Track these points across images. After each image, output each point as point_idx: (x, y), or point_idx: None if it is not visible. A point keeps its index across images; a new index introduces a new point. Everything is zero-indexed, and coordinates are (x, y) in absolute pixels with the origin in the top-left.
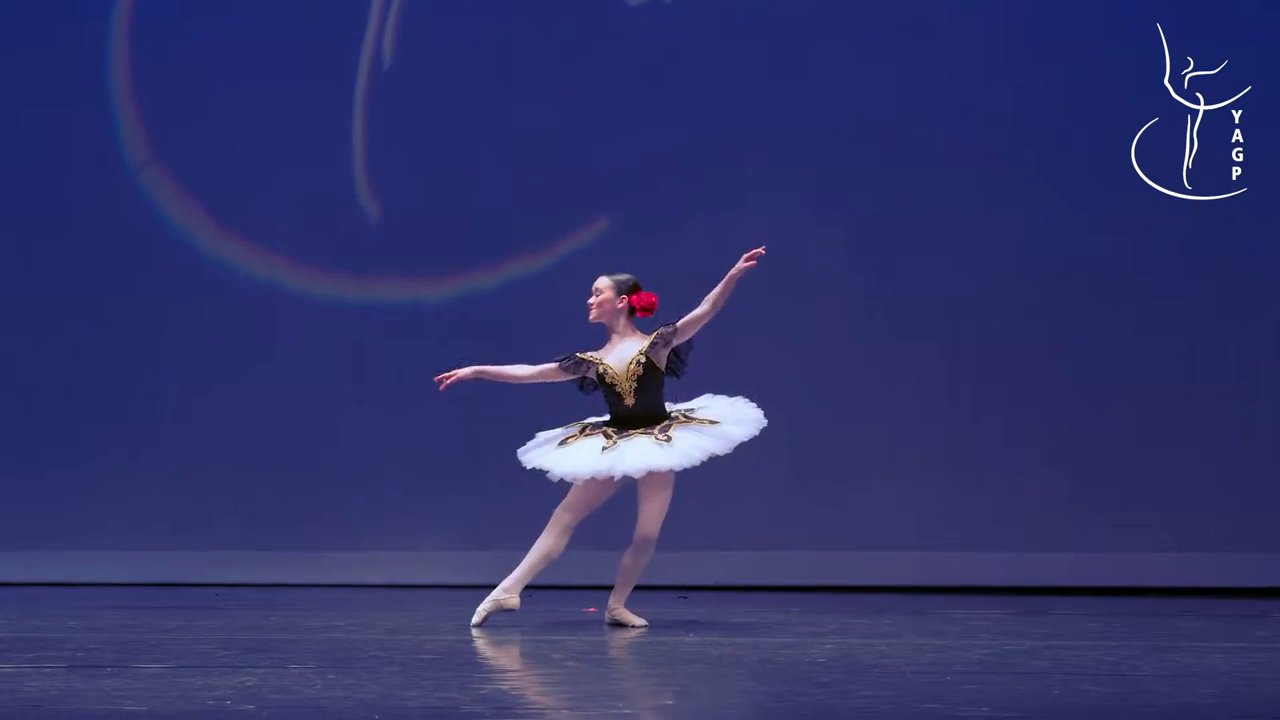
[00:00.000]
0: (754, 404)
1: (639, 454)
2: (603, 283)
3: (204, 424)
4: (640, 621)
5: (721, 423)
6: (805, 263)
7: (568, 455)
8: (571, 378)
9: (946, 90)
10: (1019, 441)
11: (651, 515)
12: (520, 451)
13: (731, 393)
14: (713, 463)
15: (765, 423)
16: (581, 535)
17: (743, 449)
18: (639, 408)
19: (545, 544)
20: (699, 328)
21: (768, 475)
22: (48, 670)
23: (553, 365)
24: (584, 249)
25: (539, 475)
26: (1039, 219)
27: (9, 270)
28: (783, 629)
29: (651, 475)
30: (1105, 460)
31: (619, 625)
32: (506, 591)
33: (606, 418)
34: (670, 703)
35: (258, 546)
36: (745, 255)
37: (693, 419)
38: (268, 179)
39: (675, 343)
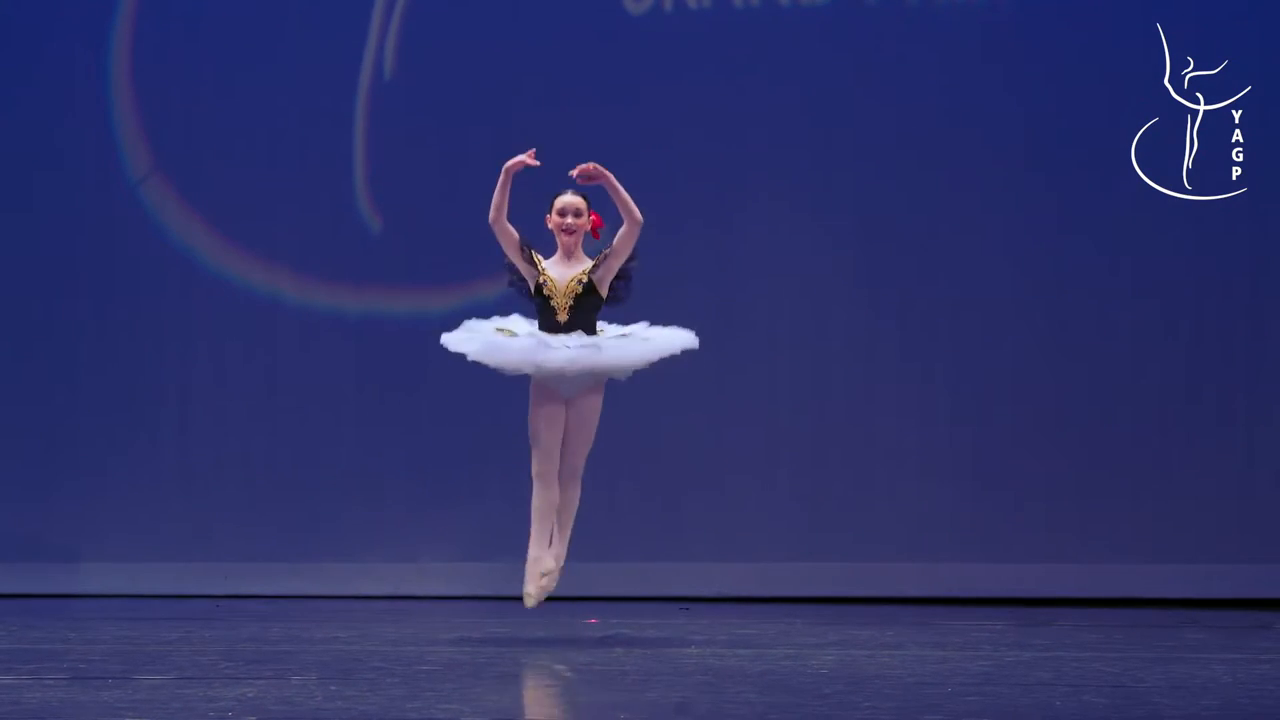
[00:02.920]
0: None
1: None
2: (582, 203)
3: (205, 435)
4: (551, 564)
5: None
6: (806, 270)
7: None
8: (517, 260)
9: (946, 92)
10: (1021, 452)
11: (579, 451)
12: (446, 338)
13: (733, 400)
14: (713, 475)
15: (695, 344)
16: (583, 546)
17: (744, 460)
18: (570, 326)
19: (536, 499)
20: (633, 242)
21: (769, 486)
22: (49, 682)
23: (517, 236)
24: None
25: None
26: (1039, 221)
27: (9, 280)
28: (784, 640)
29: (584, 402)
30: (1108, 470)
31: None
32: (536, 562)
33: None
34: (671, 715)
35: (259, 558)
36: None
37: (624, 336)
38: (269, 191)
39: (612, 262)
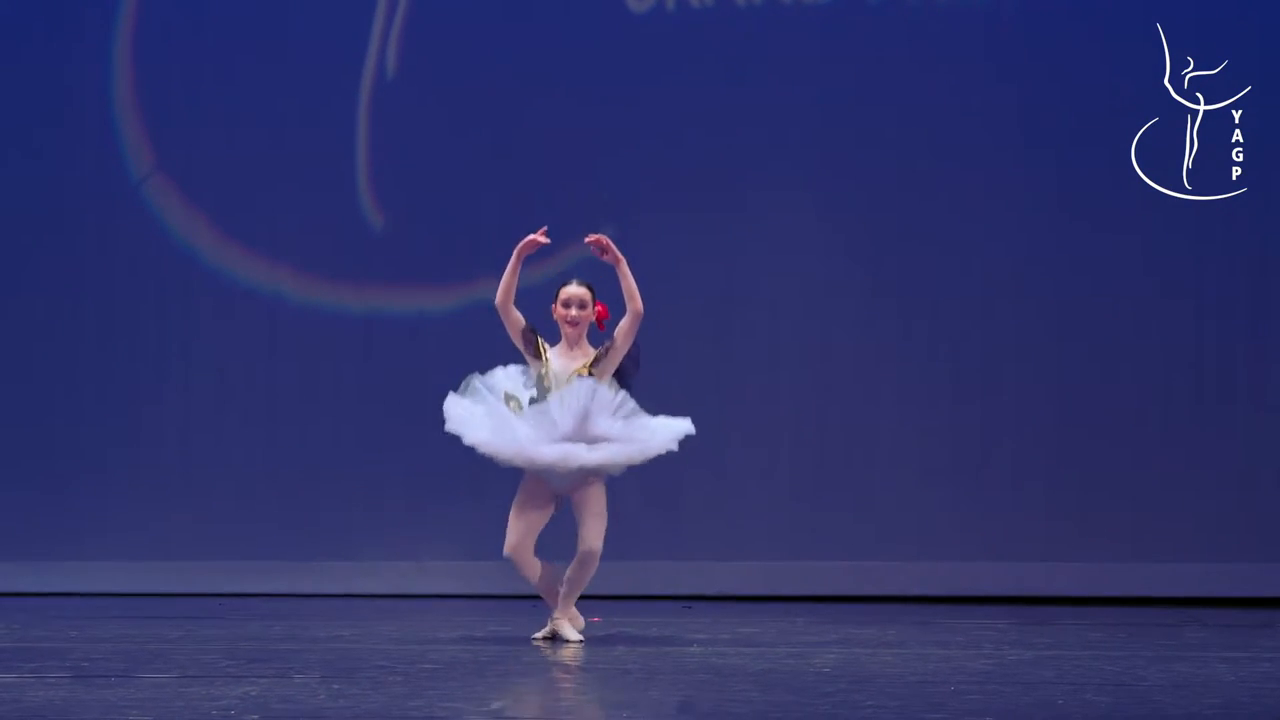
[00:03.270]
0: (688, 421)
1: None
2: (586, 294)
3: (207, 433)
4: (576, 636)
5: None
6: (808, 268)
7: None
8: (521, 346)
9: (946, 91)
10: (1023, 450)
11: (591, 531)
12: (448, 408)
13: (735, 398)
14: (715, 474)
15: (690, 430)
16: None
17: (747, 459)
18: None
19: (536, 572)
20: (634, 330)
21: (771, 486)
22: (51, 680)
23: (523, 323)
24: (589, 259)
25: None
26: (1039, 220)
27: (12, 281)
28: (787, 639)
29: (583, 491)
30: (1109, 469)
31: (552, 638)
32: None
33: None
34: (674, 713)
35: (261, 556)
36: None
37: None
38: (271, 189)
39: (613, 357)
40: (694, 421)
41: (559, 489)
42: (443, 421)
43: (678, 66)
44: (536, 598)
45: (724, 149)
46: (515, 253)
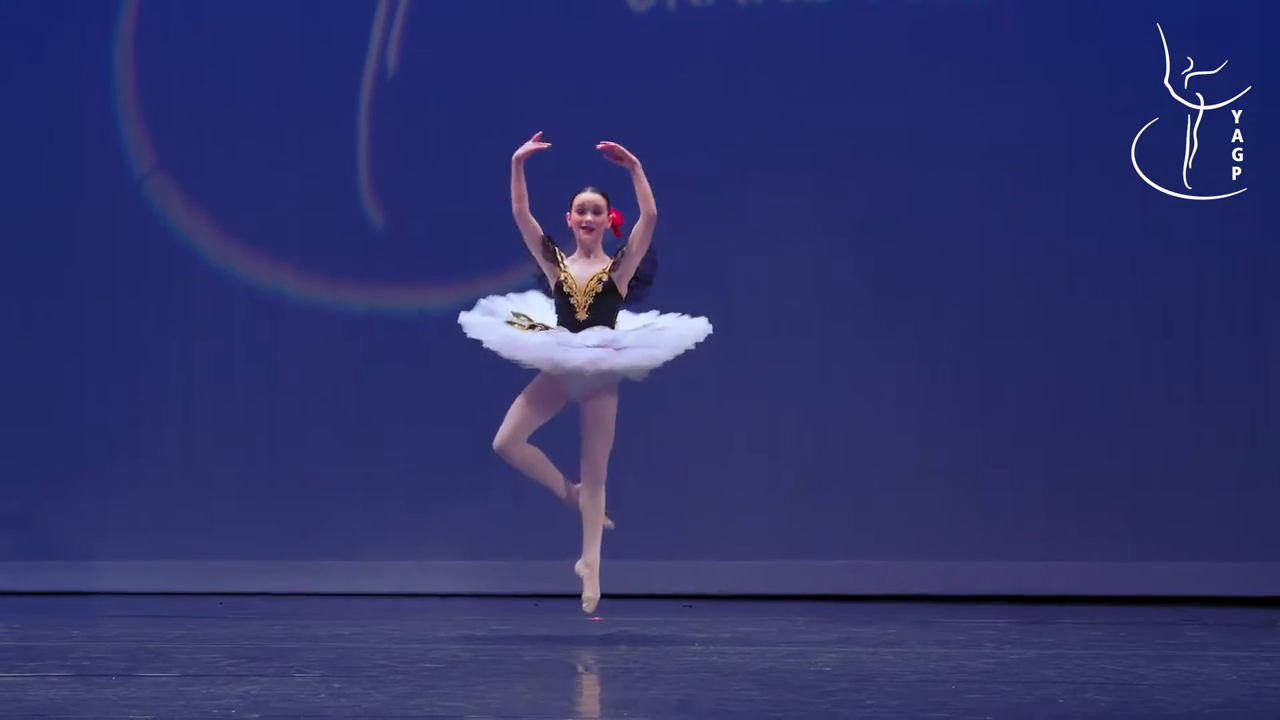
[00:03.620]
0: (704, 320)
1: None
2: (601, 200)
3: (208, 432)
4: (595, 594)
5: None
6: (809, 271)
7: (511, 335)
8: (538, 255)
9: (947, 91)
10: (1024, 450)
11: (597, 446)
12: (465, 318)
13: (736, 397)
14: (716, 472)
15: (708, 330)
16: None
17: (747, 458)
18: (590, 324)
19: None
20: (649, 233)
21: (772, 484)
22: (52, 679)
23: (540, 232)
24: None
25: (541, 486)
26: (1040, 220)
27: (10, 278)
28: (787, 638)
29: (598, 401)
30: (1110, 467)
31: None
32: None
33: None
34: (675, 712)
35: (262, 555)
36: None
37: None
38: (272, 187)
39: (629, 261)
40: (695, 418)
41: (575, 394)
42: (444, 416)
43: (679, 66)
44: (538, 597)
45: (724, 148)
46: (514, 160)
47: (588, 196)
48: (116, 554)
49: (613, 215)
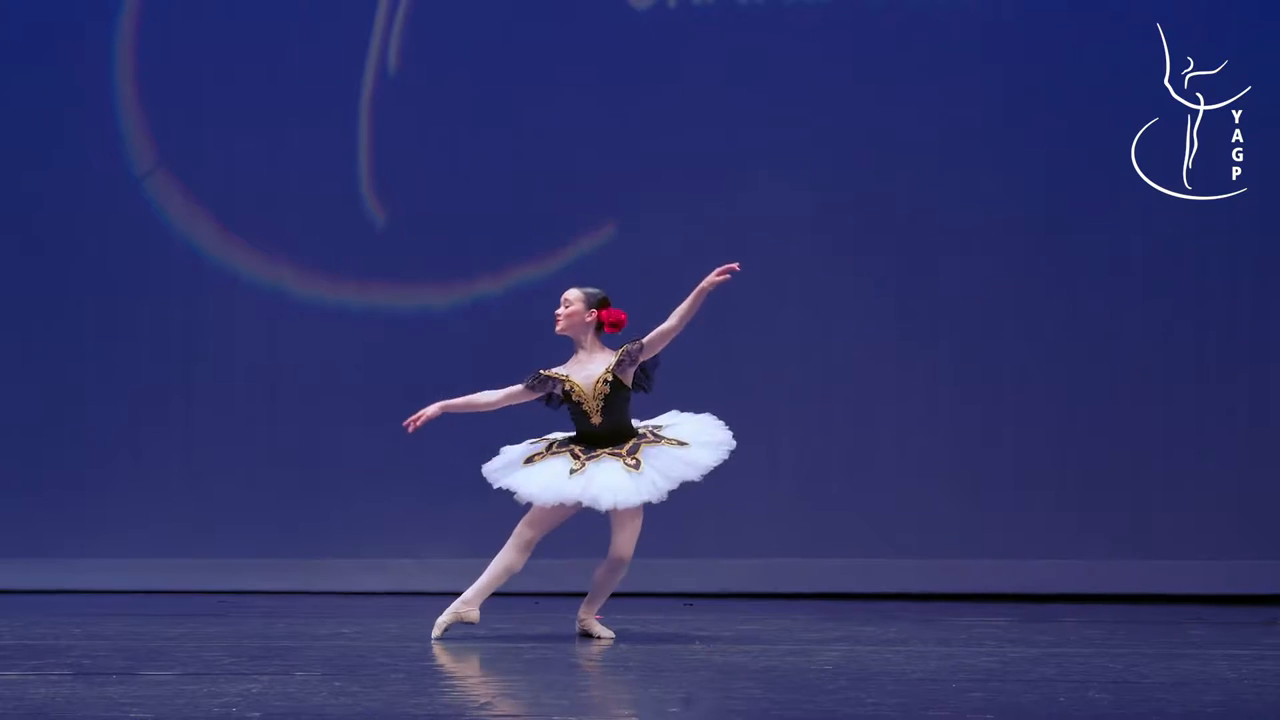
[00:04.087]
0: (721, 423)
1: (607, 485)
2: (573, 294)
3: (209, 431)
4: (608, 633)
5: (690, 444)
6: (811, 269)
7: (534, 476)
8: (538, 396)
9: (947, 91)
10: (1025, 448)
11: (625, 540)
12: (486, 469)
13: (737, 395)
14: (717, 471)
15: (733, 445)
16: (585, 543)
17: (749, 456)
18: (605, 426)
19: (507, 558)
20: (666, 343)
21: (773, 483)
22: (53, 678)
23: (519, 387)
24: (591, 255)
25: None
26: (1040, 219)
27: (14, 276)
28: (788, 636)
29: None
30: (1111, 467)
31: (587, 635)
32: (467, 604)
33: (573, 434)
34: (676, 711)
35: (263, 553)
36: (718, 269)
37: (661, 438)
38: (273, 185)
39: (642, 359)
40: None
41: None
42: (446, 420)
43: (680, 64)
44: (540, 595)
45: (724, 147)
46: (429, 418)
47: (566, 291)
48: (117, 552)
49: (600, 314)
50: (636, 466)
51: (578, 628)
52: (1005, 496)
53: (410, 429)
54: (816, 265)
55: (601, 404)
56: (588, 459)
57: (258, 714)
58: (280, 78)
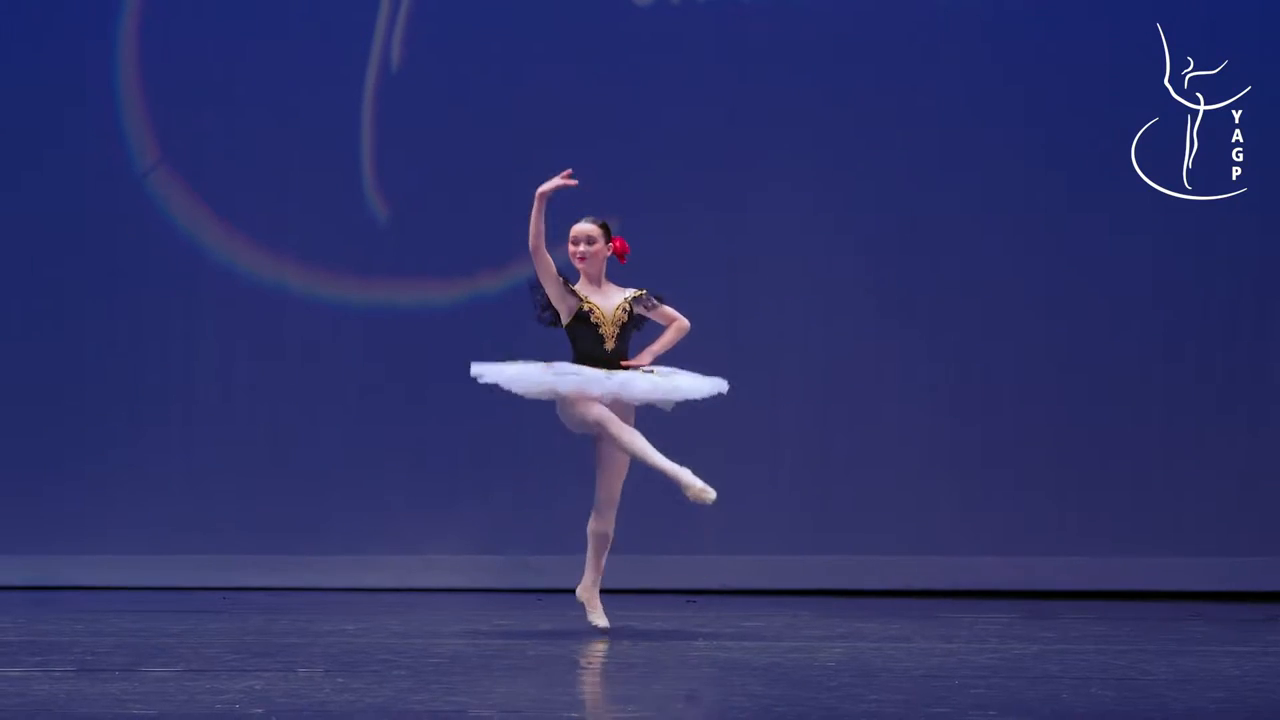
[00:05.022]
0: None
1: (648, 380)
2: (590, 229)
3: (211, 427)
4: (604, 623)
5: (680, 372)
6: (814, 265)
7: (571, 374)
8: (553, 289)
9: (947, 92)
10: (1027, 445)
11: (616, 481)
12: (478, 367)
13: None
14: (720, 467)
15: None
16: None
17: (751, 453)
18: (616, 354)
19: (627, 435)
20: (676, 337)
21: (775, 479)
22: (56, 673)
23: (554, 268)
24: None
25: (543, 480)
26: (1041, 219)
27: (16, 273)
28: (791, 633)
29: (625, 420)
30: (1114, 463)
31: (584, 609)
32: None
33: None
34: (678, 707)
35: (265, 550)
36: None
37: (656, 370)
38: (276, 181)
39: (648, 311)
40: (699, 413)
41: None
42: (447, 411)
43: (682, 59)
44: (542, 592)
45: (727, 143)
46: (538, 196)
47: (579, 227)
48: (119, 548)
49: (614, 243)
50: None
51: (581, 597)
52: (1008, 493)
53: (563, 179)
54: (819, 261)
55: (617, 330)
56: (608, 376)
57: (260, 710)
58: (283, 74)
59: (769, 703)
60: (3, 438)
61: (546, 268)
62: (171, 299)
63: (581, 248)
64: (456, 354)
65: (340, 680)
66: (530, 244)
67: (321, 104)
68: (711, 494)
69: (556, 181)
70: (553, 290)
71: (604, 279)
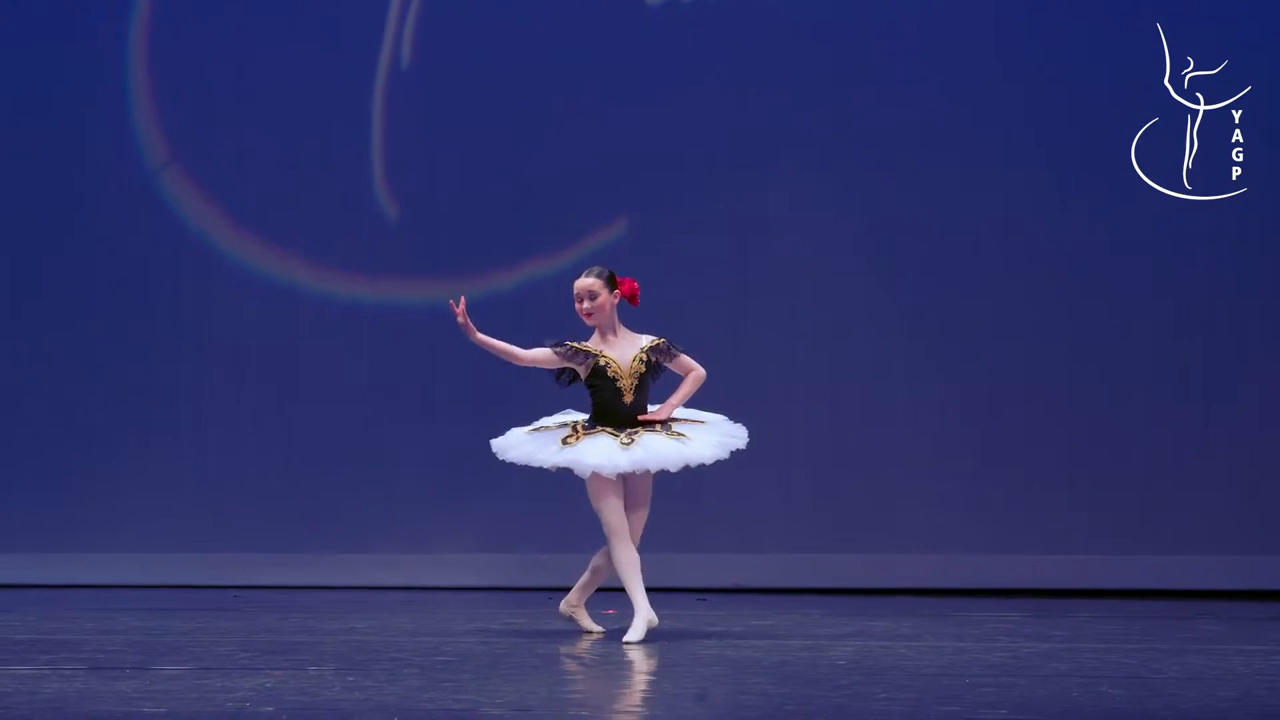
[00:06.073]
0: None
1: (666, 448)
2: (591, 284)
3: (222, 425)
4: (597, 628)
5: (707, 423)
6: (823, 266)
7: (587, 451)
8: (563, 365)
9: (947, 92)
10: (1037, 444)
11: (641, 521)
12: (496, 444)
13: (750, 391)
14: (731, 466)
15: (746, 437)
16: (598, 537)
17: (761, 451)
18: (635, 407)
19: (623, 552)
20: (693, 386)
21: (786, 478)
22: (67, 672)
23: (545, 351)
24: (603, 250)
25: (555, 479)
26: (1042, 219)
27: (27, 272)
28: (801, 632)
29: (642, 481)
30: (1123, 462)
31: (573, 622)
32: (641, 612)
33: (586, 418)
34: (689, 706)
35: (276, 548)
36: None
37: (680, 421)
38: (286, 180)
39: (666, 362)
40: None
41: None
42: (458, 410)
43: (692, 58)
44: (552, 590)
45: (737, 142)
46: (475, 341)
47: (580, 283)
48: (130, 547)
49: (621, 288)
50: (680, 435)
51: (564, 609)
52: (1017, 493)
53: (459, 313)
54: (830, 261)
55: (635, 383)
56: (627, 436)
57: (271, 708)
58: (293, 72)
59: (779, 701)
60: (14, 436)
61: (541, 362)
62: (183, 298)
63: (585, 304)
64: (467, 352)
65: (351, 678)
66: (516, 364)
67: (332, 103)
68: (640, 637)
69: (459, 318)
70: (565, 365)
71: (618, 326)
